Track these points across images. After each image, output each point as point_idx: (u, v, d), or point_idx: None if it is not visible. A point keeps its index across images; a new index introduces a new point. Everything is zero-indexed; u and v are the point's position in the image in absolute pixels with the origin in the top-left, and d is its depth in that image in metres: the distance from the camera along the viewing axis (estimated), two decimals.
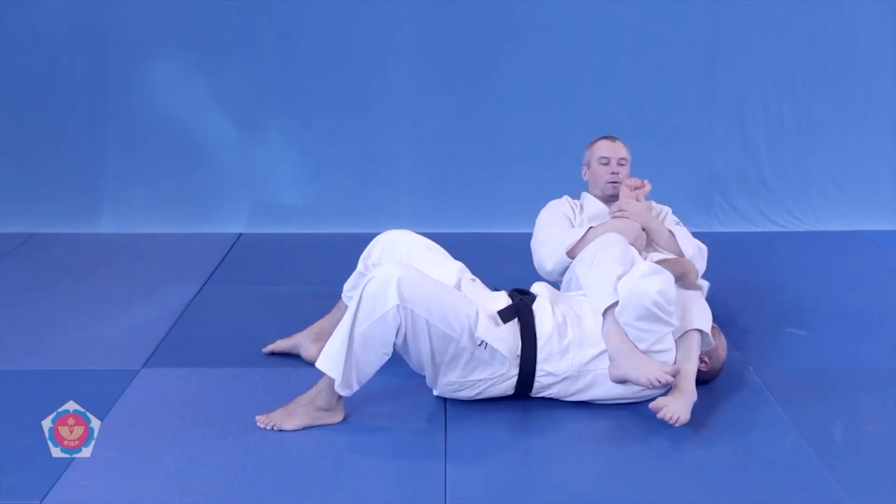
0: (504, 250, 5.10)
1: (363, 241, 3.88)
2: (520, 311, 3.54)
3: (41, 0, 5.83)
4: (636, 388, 3.51)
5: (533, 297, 3.62)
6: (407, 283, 3.32)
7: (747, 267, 5.17)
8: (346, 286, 3.90)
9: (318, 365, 3.38)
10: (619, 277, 3.50)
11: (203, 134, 5.96)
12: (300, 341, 3.95)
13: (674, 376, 3.38)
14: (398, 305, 3.29)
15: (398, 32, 5.92)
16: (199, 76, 5.92)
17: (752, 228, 5.91)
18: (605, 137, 4.26)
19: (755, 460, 3.25)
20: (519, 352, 3.49)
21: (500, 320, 3.48)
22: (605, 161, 4.18)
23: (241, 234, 5.79)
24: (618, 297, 3.45)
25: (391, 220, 5.66)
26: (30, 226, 5.80)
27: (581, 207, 4.23)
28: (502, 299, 3.59)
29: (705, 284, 3.87)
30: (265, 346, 4.04)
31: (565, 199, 4.27)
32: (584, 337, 3.52)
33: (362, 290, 3.33)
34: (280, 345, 3.99)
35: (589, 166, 4.26)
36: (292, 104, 5.96)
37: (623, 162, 4.19)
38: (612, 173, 4.16)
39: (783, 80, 5.99)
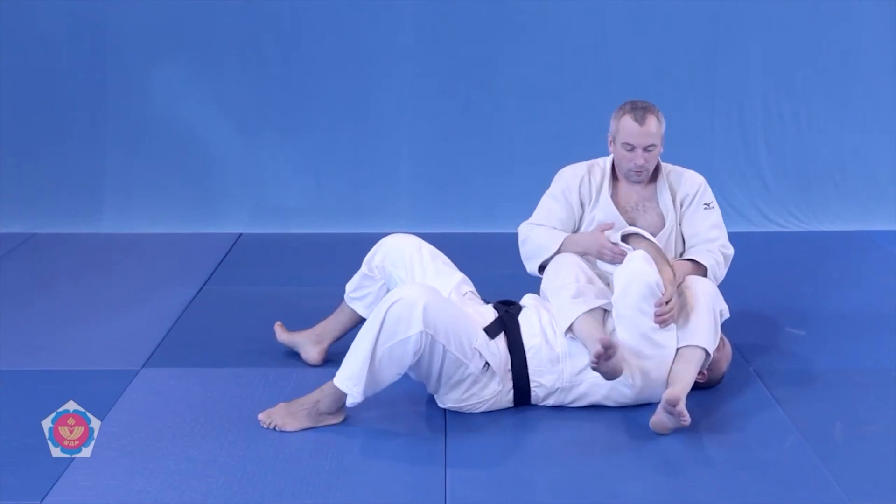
0: (504, 250, 5.08)
1: (363, 241, 3.88)
2: (505, 324, 3.54)
3: (41, 0, 5.83)
4: (632, 393, 3.52)
5: (518, 309, 3.63)
6: (432, 310, 3.31)
7: (747, 267, 5.16)
8: (349, 287, 3.89)
9: (336, 383, 3.36)
10: (574, 296, 3.51)
11: (203, 134, 5.95)
12: (301, 341, 3.94)
13: (605, 347, 3.33)
14: (422, 332, 3.29)
15: (398, 33, 5.91)
16: (200, 76, 5.92)
17: (752, 228, 5.90)
18: (633, 114, 3.72)
19: (755, 460, 3.25)
20: (510, 366, 3.50)
21: (487, 337, 3.49)
22: (629, 148, 3.73)
23: (241, 234, 5.79)
24: (574, 316, 3.47)
25: (391, 220, 5.69)
26: (30, 226, 5.80)
27: (598, 193, 3.85)
28: (488, 313, 3.59)
29: (720, 301, 3.68)
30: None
31: (586, 171, 3.87)
32: (575, 347, 3.51)
33: (386, 311, 3.30)
34: (285, 336, 3.99)
35: (614, 142, 3.79)
36: (292, 104, 5.96)
37: (651, 148, 3.72)
38: (636, 163, 3.74)
39: (783, 80, 5.99)
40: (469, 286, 3.77)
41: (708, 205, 3.87)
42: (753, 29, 5.94)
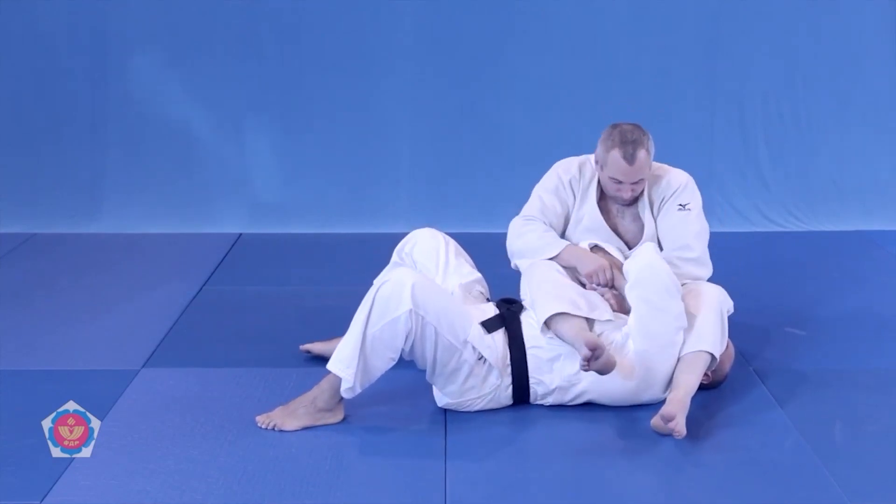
0: (504, 250, 5.10)
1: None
2: (506, 320, 3.56)
3: (41, 0, 5.83)
4: (631, 388, 3.52)
5: (520, 307, 3.64)
6: (420, 290, 3.34)
7: (747, 267, 5.17)
8: (377, 281, 3.89)
9: (330, 367, 3.38)
10: (556, 295, 3.51)
11: (203, 134, 5.96)
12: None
13: (591, 349, 3.32)
14: (411, 310, 3.31)
15: (398, 32, 5.91)
16: (200, 76, 5.92)
17: (752, 228, 5.90)
18: (622, 150, 3.61)
19: (755, 460, 3.25)
20: (508, 360, 3.51)
21: (485, 331, 3.49)
22: (616, 181, 3.67)
23: (241, 234, 5.79)
24: (558, 309, 3.46)
25: (391, 220, 5.69)
26: (30, 226, 5.80)
27: (585, 194, 3.81)
28: (490, 310, 3.61)
29: (728, 304, 3.68)
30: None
31: (577, 170, 3.83)
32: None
33: (375, 293, 3.35)
34: (317, 347, 3.95)
35: (601, 169, 3.72)
36: (292, 105, 5.96)
37: (640, 180, 3.68)
38: (624, 197, 3.71)
39: (783, 80, 5.99)
40: (482, 287, 3.81)
41: (683, 206, 3.76)
42: (754, 29, 5.94)
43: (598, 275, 3.65)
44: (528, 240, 3.80)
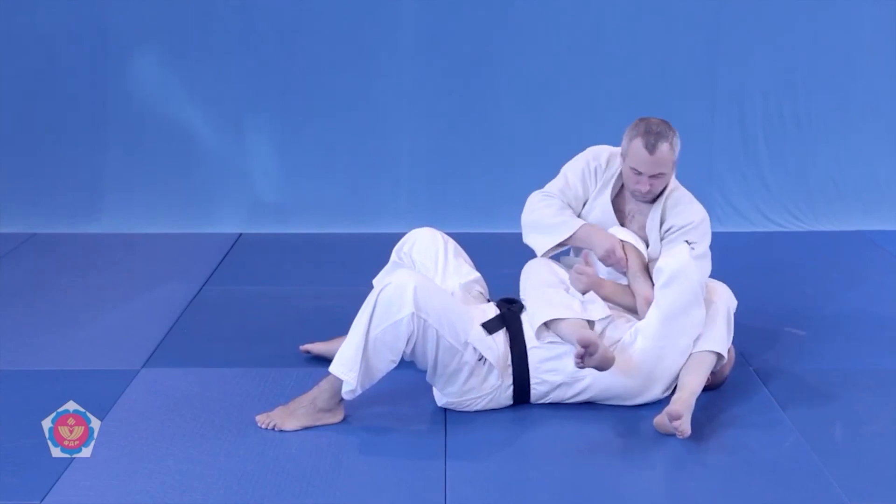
0: (504, 250, 5.09)
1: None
2: (507, 320, 3.56)
3: (41, 0, 5.83)
4: (634, 386, 3.53)
5: (520, 307, 3.64)
6: (422, 292, 3.34)
7: (747, 267, 5.17)
8: (377, 281, 3.88)
9: (332, 370, 3.38)
10: (553, 298, 3.53)
11: (203, 134, 5.95)
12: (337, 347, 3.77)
13: (584, 346, 3.33)
14: (413, 313, 3.32)
15: (398, 32, 5.91)
16: (200, 76, 5.92)
17: (752, 228, 5.90)
18: (645, 140, 3.58)
19: (755, 460, 3.25)
20: (509, 361, 3.51)
21: (486, 332, 3.50)
22: (636, 172, 3.61)
23: (241, 234, 5.79)
24: (551, 315, 3.47)
25: (391, 220, 5.69)
26: (30, 226, 5.80)
27: (604, 187, 3.79)
28: (490, 310, 3.61)
29: (733, 304, 3.71)
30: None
31: (605, 161, 3.79)
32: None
33: (377, 295, 3.34)
34: (318, 347, 3.95)
35: (624, 160, 3.67)
36: (292, 104, 5.96)
37: (659, 176, 3.61)
38: (641, 190, 3.65)
39: (783, 80, 5.99)
40: (481, 287, 3.82)
41: (689, 244, 3.66)
42: (754, 28, 5.94)
43: (611, 255, 3.65)
44: (542, 215, 3.78)
